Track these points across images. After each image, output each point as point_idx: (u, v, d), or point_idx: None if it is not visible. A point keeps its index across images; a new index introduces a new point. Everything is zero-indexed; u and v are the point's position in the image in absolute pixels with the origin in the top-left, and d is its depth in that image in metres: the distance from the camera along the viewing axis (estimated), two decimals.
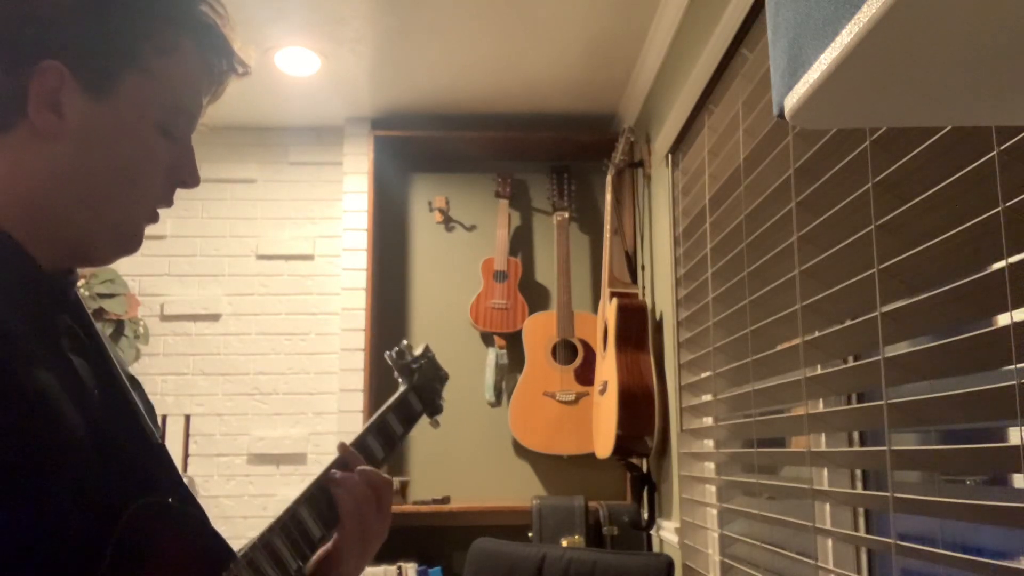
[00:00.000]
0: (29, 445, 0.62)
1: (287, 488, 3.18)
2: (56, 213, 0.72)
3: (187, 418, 3.19)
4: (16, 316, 0.66)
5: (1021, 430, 0.86)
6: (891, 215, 1.13)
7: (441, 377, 1.25)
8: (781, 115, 0.49)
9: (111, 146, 0.74)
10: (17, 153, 0.71)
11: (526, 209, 3.44)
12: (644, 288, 2.87)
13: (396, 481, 3.12)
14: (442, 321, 3.31)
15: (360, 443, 1.04)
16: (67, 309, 0.75)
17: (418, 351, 1.23)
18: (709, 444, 2.14)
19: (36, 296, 0.71)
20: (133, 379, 0.83)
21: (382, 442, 1.08)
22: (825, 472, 1.56)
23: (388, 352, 1.21)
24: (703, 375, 2.17)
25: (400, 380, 1.19)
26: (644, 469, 2.78)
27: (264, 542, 0.83)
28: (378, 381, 3.26)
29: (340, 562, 0.93)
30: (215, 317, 3.28)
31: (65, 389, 0.66)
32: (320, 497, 0.92)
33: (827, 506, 1.55)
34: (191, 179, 0.80)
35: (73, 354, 0.71)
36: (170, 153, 0.78)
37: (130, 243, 0.77)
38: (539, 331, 3.20)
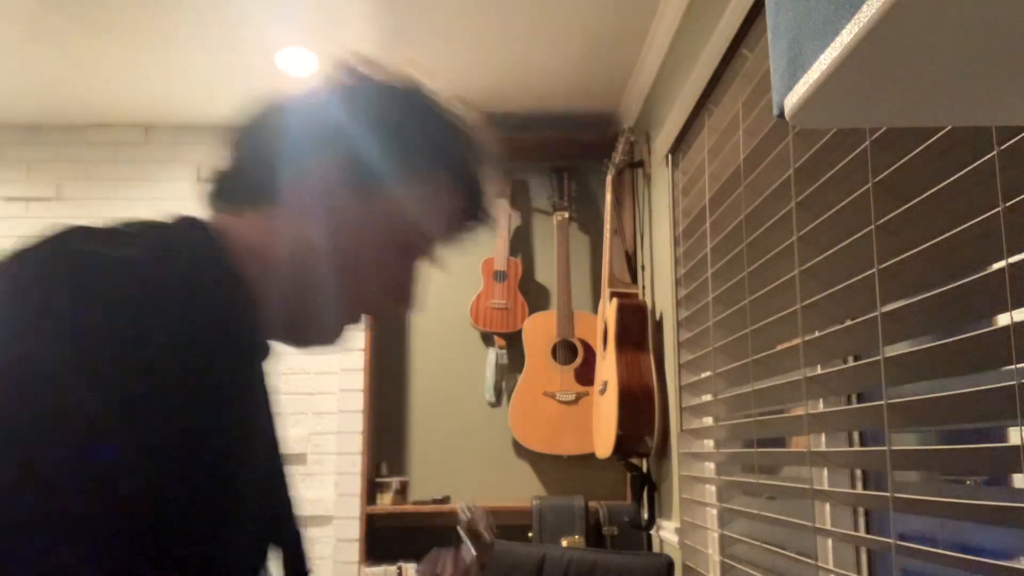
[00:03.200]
0: (225, 448, 0.68)
1: None
2: (284, 286, 0.78)
3: None
4: (236, 342, 0.72)
5: (1021, 430, 0.87)
6: (891, 215, 1.13)
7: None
8: (781, 115, 0.49)
9: (354, 245, 0.79)
10: (277, 226, 0.77)
11: (526, 209, 3.44)
12: (644, 288, 2.87)
13: (396, 481, 3.12)
14: (442, 321, 3.31)
15: None
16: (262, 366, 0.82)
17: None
18: (709, 444, 2.14)
19: (248, 342, 0.77)
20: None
21: None
22: (825, 472, 1.56)
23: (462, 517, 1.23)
24: (703, 375, 2.17)
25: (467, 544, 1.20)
26: (644, 469, 2.78)
27: None
28: (378, 381, 3.26)
29: None
30: None
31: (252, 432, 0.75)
32: None
33: (827, 506, 1.55)
34: (408, 303, 0.85)
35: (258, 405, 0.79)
36: (397, 270, 0.83)
37: (331, 335, 0.82)
38: (539, 331, 3.20)
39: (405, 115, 0.81)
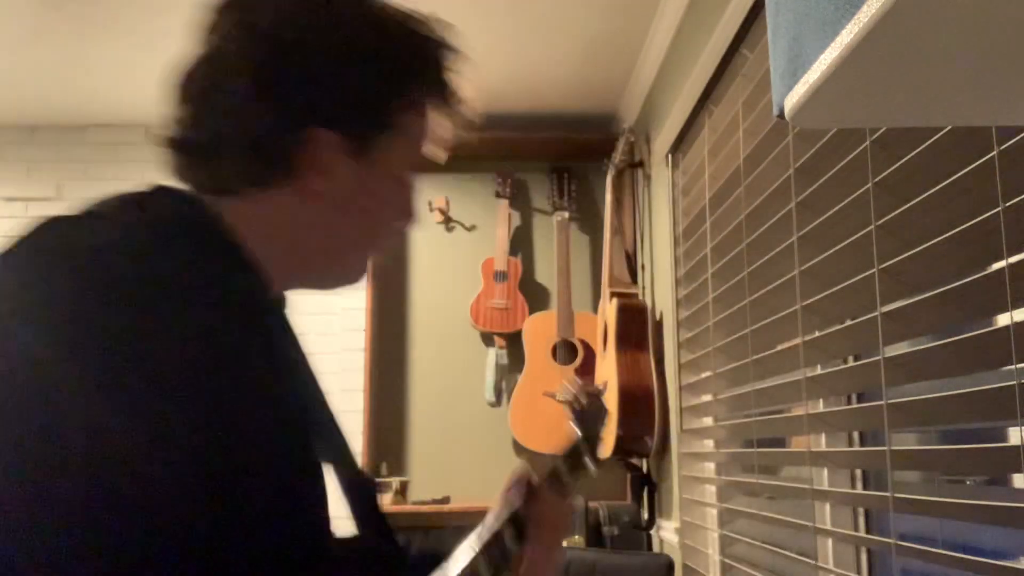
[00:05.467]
0: (291, 449, 0.66)
1: None
2: (300, 259, 0.78)
3: None
4: (269, 327, 0.72)
5: (1021, 430, 0.86)
6: (891, 215, 1.13)
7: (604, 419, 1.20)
8: (781, 115, 0.49)
9: (364, 204, 0.78)
10: (278, 208, 0.75)
11: (526, 209, 3.44)
12: (644, 288, 2.86)
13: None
14: (442, 321, 3.31)
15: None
16: (288, 327, 0.81)
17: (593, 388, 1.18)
18: (709, 444, 2.14)
19: (270, 313, 0.76)
20: None
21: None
22: (825, 472, 1.56)
23: (564, 396, 1.19)
24: (703, 375, 2.17)
25: (574, 424, 1.14)
26: (644, 469, 2.78)
27: None
28: (378, 381, 3.26)
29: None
30: None
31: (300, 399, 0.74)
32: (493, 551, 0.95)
33: (827, 506, 1.55)
34: (413, 220, 0.85)
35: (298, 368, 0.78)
36: (403, 201, 0.83)
37: (358, 277, 0.83)
38: (539, 331, 3.20)
39: (395, 61, 0.76)
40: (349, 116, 0.75)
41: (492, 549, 0.95)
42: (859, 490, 1.54)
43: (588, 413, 1.14)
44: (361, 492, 0.83)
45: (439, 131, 0.83)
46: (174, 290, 0.61)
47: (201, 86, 0.74)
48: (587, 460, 1.11)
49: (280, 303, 0.80)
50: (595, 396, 1.16)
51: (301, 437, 0.68)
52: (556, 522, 1.05)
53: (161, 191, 0.72)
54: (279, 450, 0.64)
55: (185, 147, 0.75)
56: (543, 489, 1.05)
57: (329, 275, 0.82)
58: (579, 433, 1.12)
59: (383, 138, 0.77)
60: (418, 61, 0.79)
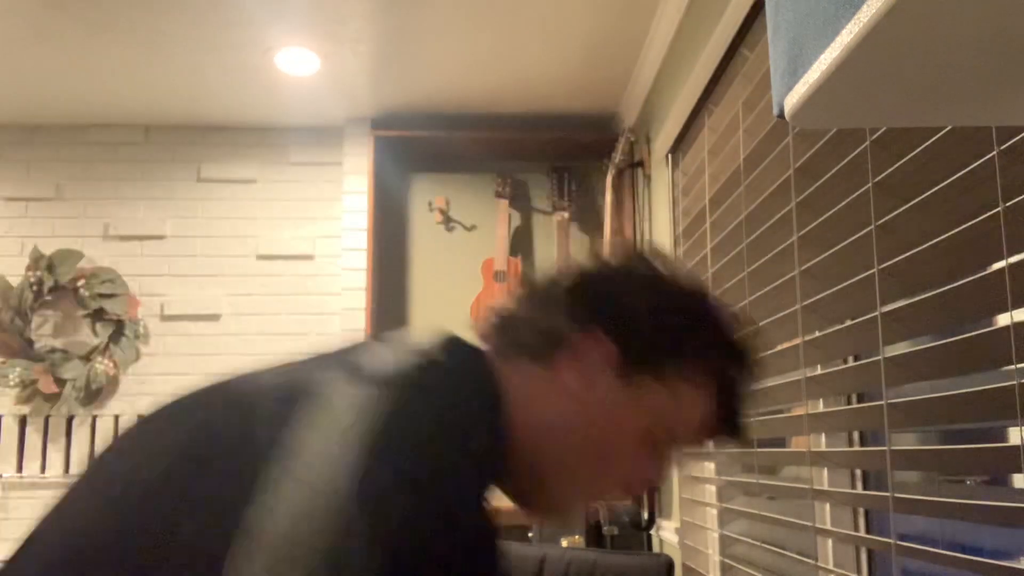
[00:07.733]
0: None
1: None
2: (532, 454, 0.77)
3: None
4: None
5: (1021, 430, 0.87)
6: (891, 215, 1.13)
7: None
8: (781, 115, 0.49)
9: (604, 428, 0.79)
10: (536, 389, 0.78)
11: (526, 209, 3.44)
12: None
13: None
14: (442, 321, 3.30)
15: None
16: None
17: None
18: (709, 444, 2.14)
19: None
20: None
21: None
22: (825, 472, 1.56)
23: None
24: None
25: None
26: None
27: None
28: None
29: None
30: (215, 317, 3.27)
31: None
32: None
33: (827, 506, 1.55)
34: (640, 490, 0.87)
35: None
36: (643, 464, 0.81)
37: (566, 517, 0.85)
38: None
39: (691, 320, 0.82)
40: (634, 336, 0.79)
41: None
42: (859, 490, 1.54)
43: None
44: None
45: (703, 425, 0.84)
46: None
47: (545, 292, 0.83)
48: None
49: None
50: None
51: None
52: None
53: (475, 363, 0.79)
54: None
55: (505, 319, 0.84)
56: None
57: (543, 498, 0.81)
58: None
59: (649, 380, 0.79)
60: (725, 364, 0.82)
